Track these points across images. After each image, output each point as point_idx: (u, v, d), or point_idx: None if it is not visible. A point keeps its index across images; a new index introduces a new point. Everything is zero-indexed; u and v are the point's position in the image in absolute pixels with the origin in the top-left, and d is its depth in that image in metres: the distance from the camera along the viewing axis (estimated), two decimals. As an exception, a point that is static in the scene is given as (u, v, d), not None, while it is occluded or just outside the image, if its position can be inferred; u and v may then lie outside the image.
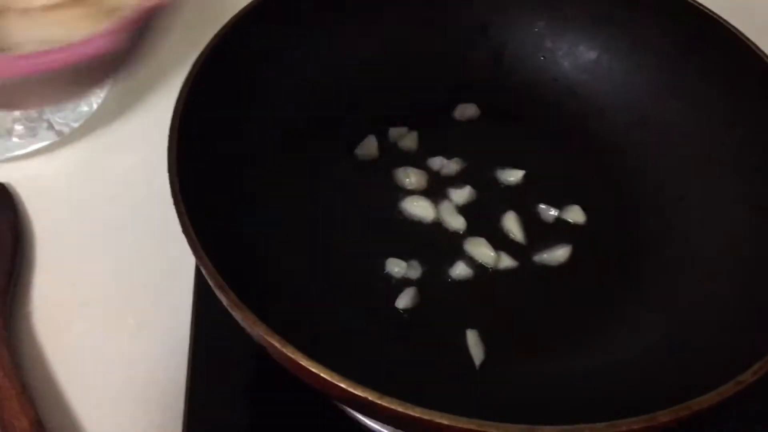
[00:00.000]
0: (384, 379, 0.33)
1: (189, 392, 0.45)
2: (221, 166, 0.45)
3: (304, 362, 0.32)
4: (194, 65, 0.45)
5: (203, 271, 0.36)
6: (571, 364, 0.44)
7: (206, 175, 0.43)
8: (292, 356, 0.33)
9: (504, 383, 0.44)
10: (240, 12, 0.50)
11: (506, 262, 0.50)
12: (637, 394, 0.39)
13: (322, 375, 0.32)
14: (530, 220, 0.52)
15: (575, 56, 0.58)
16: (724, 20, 0.51)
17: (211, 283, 0.36)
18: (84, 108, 0.63)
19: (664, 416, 0.31)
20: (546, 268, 0.50)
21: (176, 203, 0.38)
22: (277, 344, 0.33)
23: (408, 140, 0.56)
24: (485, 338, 0.46)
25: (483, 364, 0.45)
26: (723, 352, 0.39)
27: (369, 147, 0.55)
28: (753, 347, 0.35)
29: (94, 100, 0.64)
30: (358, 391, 0.31)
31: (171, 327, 0.50)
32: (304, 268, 0.47)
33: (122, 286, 0.53)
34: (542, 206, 0.53)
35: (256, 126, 0.50)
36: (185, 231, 0.37)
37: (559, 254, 0.50)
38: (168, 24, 0.70)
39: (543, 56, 0.59)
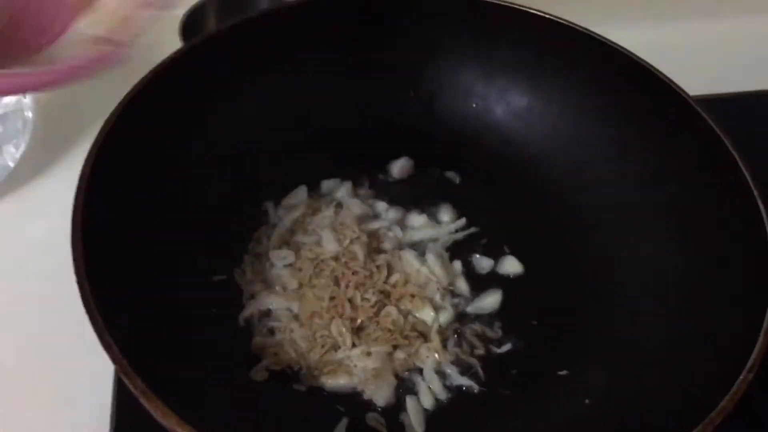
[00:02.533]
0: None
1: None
2: (133, 237, 0.42)
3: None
4: (101, 130, 0.42)
5: (108, 356, 0.33)
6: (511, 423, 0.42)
7: (115, 246, 0.40)
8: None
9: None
10: (158, 66, 0.47)
11: (445, 316, 0.48)
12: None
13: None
14: (467, 271, 0.51)
15: (507, 103, 0.57)
16: (647, 63, 0.51)
17: (117, 369, 0.33)
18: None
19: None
20: (482, 319, 0.48)
21: (81, 288, 0.36)
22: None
23: (342, 191, 0.54)
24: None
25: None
26: (661, 414, 0.38)
27: (298, 197, 0.53)
28: (689, 410, 0.34)
29: (9, 160, 0.60)
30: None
31: (91, 403, 0.46)
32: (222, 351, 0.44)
33: (39, 362, 0.49)
34: (477, 257, 0.52)
35: (177, 186, 0.47)
36: (92, 320, 0.34)
37: (489, 302, 0.49)
38: (94, 78, 0.69)
39: (475, 103, 0.58)
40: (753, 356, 0.35)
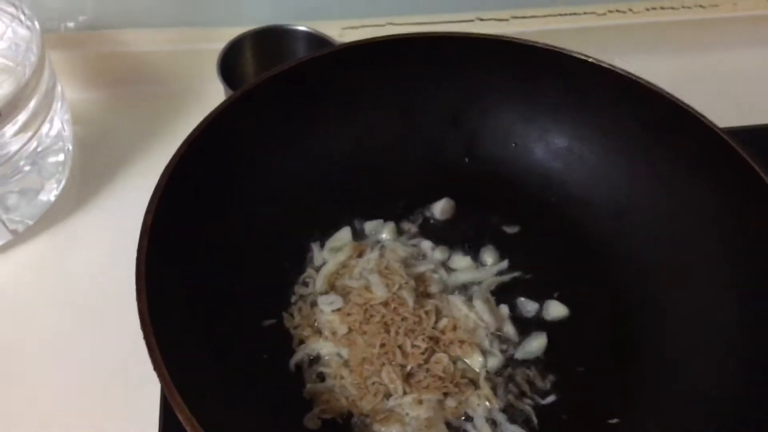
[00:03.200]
0: None
1: None
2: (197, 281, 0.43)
3: None
4: (164, 172, 0.43)
5: (179, 416, 0.33)
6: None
7: (174, 298, 0.41)
8: None
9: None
10: (211, 114, 0.48)
11: (493, 362, 0.48)
12: None
13: None
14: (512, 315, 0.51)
15: (546, 143, 0.58)
16: (688, 105, 0.51)
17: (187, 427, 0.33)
18: (41, 202, 0.60)
19: None
20: (529, 365, 0.49)
21: (146, 336, 0.36)
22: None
23: (386, 232, 0.55)
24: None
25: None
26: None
27: (342, 238, 0.54)
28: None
29: (52, 193, 0.61)
30: None
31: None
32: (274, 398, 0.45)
33: (83, 402, 0.49)
34: (522, 300, 0.52)
35: (226, 231, 0.48)
36: (156, 366, 0.35)
37: (534, 346, 0.49)
38: (129, 113, 0.69)
39: (515, 143, 0.58)
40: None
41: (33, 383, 0.50)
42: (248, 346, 0.46)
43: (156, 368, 0.35)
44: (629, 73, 0.53)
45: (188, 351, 0.41)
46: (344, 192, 0.55)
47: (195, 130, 0.46)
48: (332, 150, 0.54)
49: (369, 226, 0.55)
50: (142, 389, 0.48)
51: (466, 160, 0.58)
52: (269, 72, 0.50)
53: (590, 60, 0.54)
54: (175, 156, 0.44)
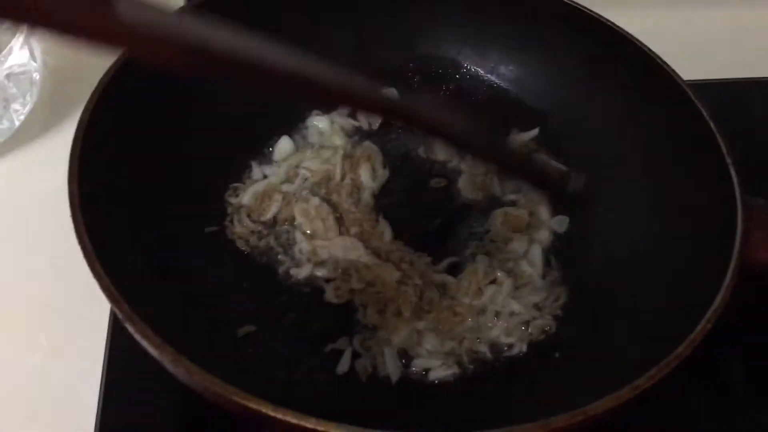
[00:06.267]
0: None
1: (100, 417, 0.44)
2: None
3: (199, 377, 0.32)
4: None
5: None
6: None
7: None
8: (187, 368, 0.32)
9: (422, 399, 0.44)
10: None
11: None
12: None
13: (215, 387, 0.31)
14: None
15: (498, 74, 0.60)
16: (629, 34, 0.52)
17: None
18: (5, 125, 0.61)
19: (556, 422, 0.31)
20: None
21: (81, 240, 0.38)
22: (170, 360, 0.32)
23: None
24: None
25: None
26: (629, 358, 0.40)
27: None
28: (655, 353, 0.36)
29: (16, 117, 0.62)
30: (253, 404, 0.31)
31: (85, 349, 0.49)
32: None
33: (41, 312, 0.51)
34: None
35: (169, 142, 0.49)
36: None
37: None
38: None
39: (468, 74, 0.60)
40: (713, 308, 0.37)
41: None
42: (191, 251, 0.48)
43: (96, 276, 0.37)
44: (573, 1, 0.54)
45: (128, 259, 0.42)
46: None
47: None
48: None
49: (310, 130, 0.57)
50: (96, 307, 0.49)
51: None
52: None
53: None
54: (115, 62, 0.45)
